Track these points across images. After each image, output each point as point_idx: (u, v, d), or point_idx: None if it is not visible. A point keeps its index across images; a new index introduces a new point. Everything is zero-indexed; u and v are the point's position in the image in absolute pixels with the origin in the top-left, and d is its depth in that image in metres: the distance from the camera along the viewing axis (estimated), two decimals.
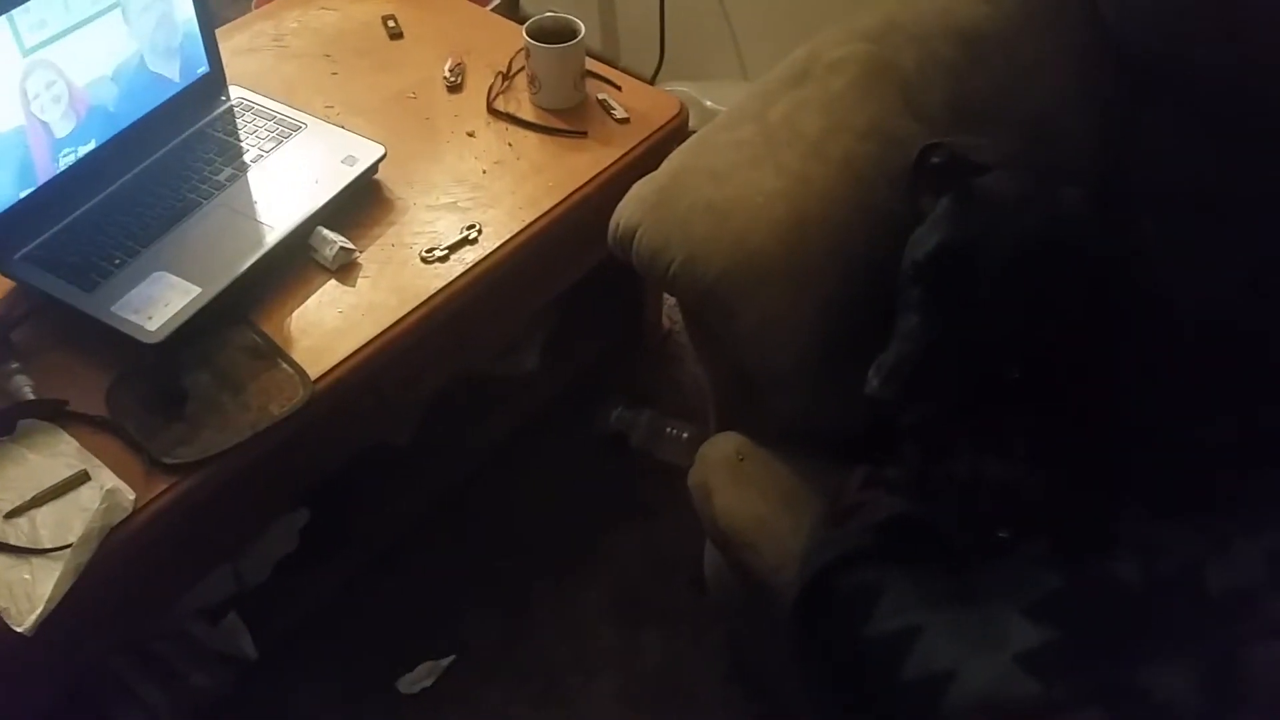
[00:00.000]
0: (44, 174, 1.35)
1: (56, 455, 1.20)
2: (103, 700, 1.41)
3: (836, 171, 1.22)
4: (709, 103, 2.17)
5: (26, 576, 1.10)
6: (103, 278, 1.33)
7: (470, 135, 1.63)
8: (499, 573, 1.74)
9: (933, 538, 1.08)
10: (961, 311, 1.05)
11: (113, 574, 1.14)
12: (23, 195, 1.33)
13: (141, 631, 1.42)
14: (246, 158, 1.50)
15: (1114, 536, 1.04)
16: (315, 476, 1.43)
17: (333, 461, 1.43)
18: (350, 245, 1.42)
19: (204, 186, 1.45)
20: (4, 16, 1.22)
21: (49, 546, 1.12)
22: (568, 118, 1.66)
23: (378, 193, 1.53)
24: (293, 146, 1.52)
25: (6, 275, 1.35)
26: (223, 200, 1.44)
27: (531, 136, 1.63)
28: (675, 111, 1.69)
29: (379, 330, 1.35)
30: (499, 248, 1.47)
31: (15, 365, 1.27)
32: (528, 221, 1.50)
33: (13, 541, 1.12)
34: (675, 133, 1.67)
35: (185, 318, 1.30)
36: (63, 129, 1.34)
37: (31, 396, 1.24)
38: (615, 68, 1.77)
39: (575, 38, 1.62)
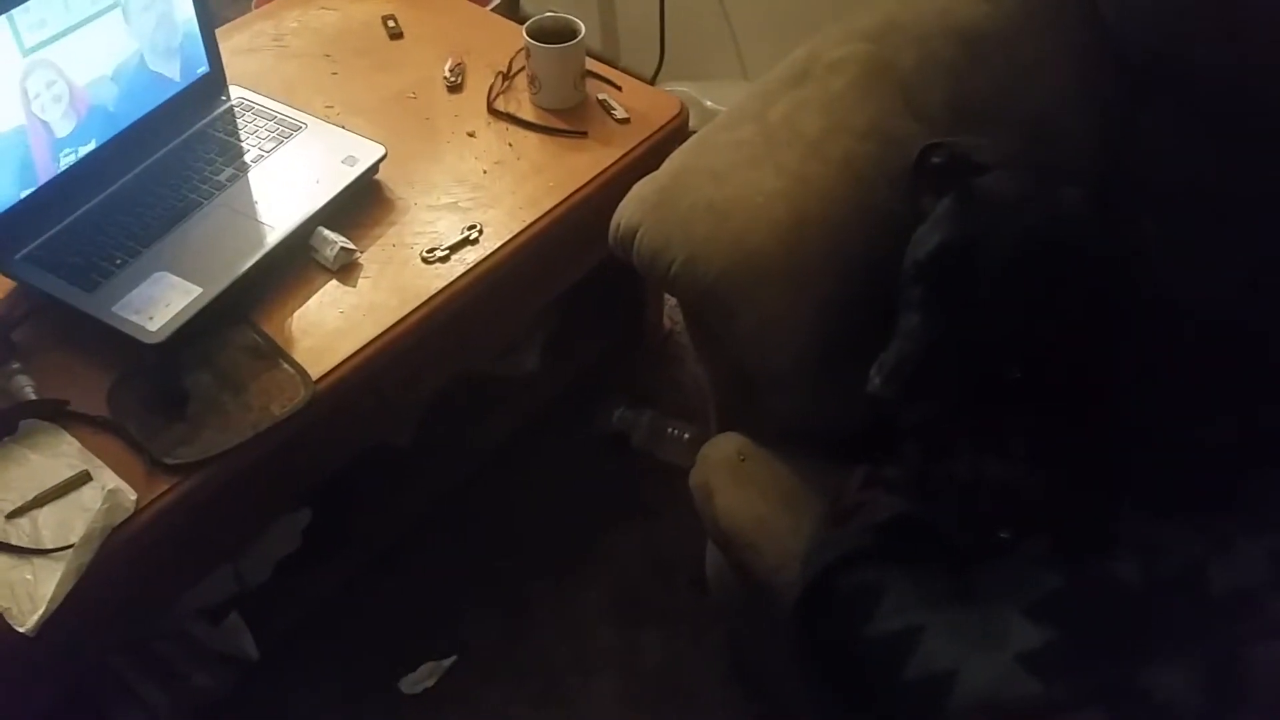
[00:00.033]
0: (45, 174, 1.35)
1: (58, 455, 1.20)
2: (103, 700, 1.41)
3: (836, 171, 1.22)
4: (709, 103, 2.17)
5: (28, 577, 1.10)
6: (104, 278, 1.33)
7: (470, 135, 1.63)
8: (499, 573, 1.74)
9: (933, 538, 1.08)
10: (962, 311, 1.05)
11: (114, 574, 1.15)
12: (23, 195, 1.33)
13: (143, 631, 1.42)
14: (247, 158, 1.50)
15: (1114, 536, 1.04)
16: (316, 477, 1.43)
17: (334, 462, 1.43)
18: (351, 245, 1.42)
19: (205, 187, 1.45)
20: (4, 16, 1.22)
21: (51, 547, 1.12)
22: (568, 118, 1.66)
23: (378, 193, 1.53)
24: (293, 146, 1.52)
25: (7, 275, 1.35)
26: (223, 200, 1.44)
27: (532, 136, 1.63)
28: (675, 111, 1.69)
29: (380, 330, 1.35)
30: (500, 248, 1.47)
31: (16, 365, 1.27)
32: (528, 222, 1.50)
33: (14, 542, 1.12)
34: (675, 133, 1.67)
35: (186, 318, 1.30)
36: (63, 129, 1.34)
37: (33, 397, 1.24)
38: (615, 68, 1.77)
39: (575, 38, 1.62)
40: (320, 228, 1.43)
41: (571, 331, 1.94)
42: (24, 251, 1.34)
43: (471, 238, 1.47)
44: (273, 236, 1.40)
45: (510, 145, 1.62)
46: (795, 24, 1.74)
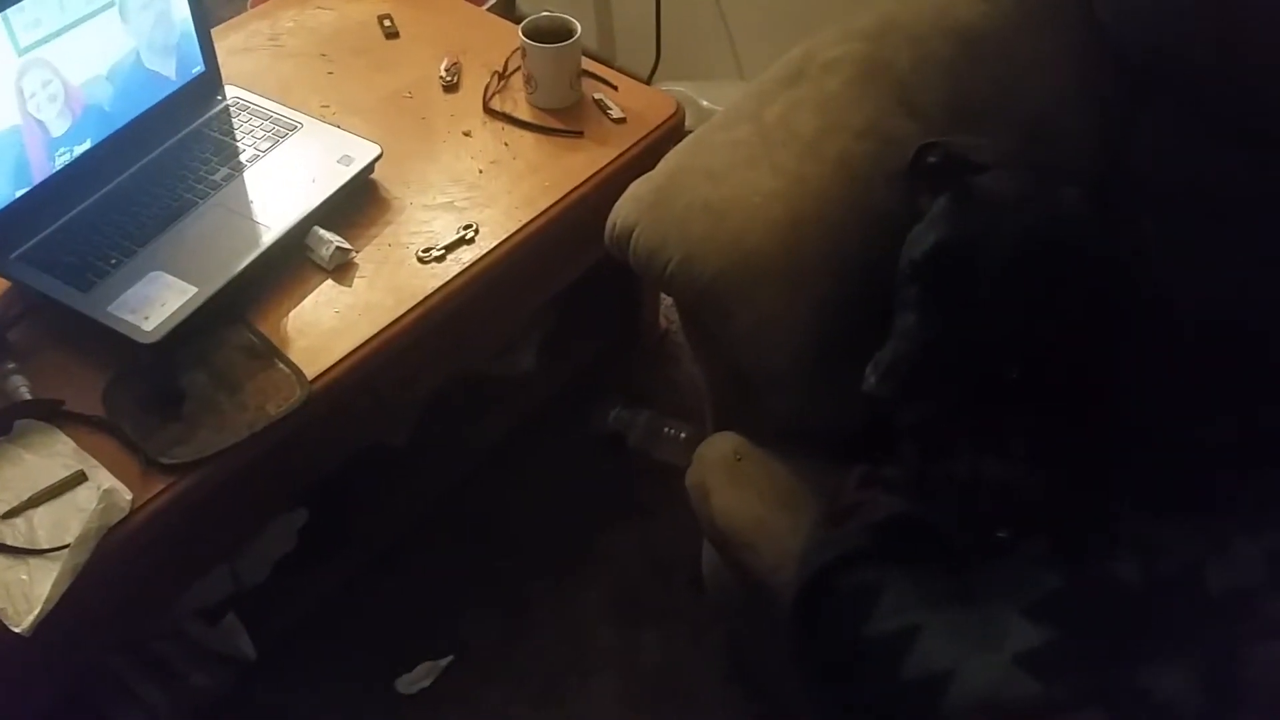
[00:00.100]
0: (40, 173, 1.34)
1: (53, 455, 1.19)
2: (103, 700, 1.41)
3: (832, 171, 1.22)
4: (705, 102, 2.17)
5: (24, 577, 1.10)
6: (99, 277, 1.32)
7: (466, 135, 1.63)
8: (498, 573, 1.74)
9: (932, 537, 1.08)
10: (960, 311, 1.05)
11: (110, 574, 1.14)
12: (18, 195, 1.33)
13: (140, 632, 1.42)
14: (243, 157, 1.49)
15: (1114, 536, 1.04)
16: (313, 476, 1.43)
17: (330, 461, 1.43)
18: (347, 245, 1.42)
19: (200, 186, 1.44)
20: None
21: (46, 547, 1.12)
22: (564, 117, 1.66)
23: (374, 192, 1.53)
24: (289, 146, 1.52)
25: (2, 275, 1.34)
26: (219, 200, 1.43)
27: (528, 136, 1.63)
28: (671, 111, 1.69)
29: (376, 330, 1.35)
30: (495, 247, 1.46)
31: (11, 365, 1.27)
32: (524, 221, 1.50)
33: (10, 542, 1.12)
34: (671, 132, 1.67)
35: (182, 317, 1.29)
36: (59, 128, 1.34)
37: (28, 396, 1.24)
38: (611, 67, 1.76)
39: (571, 37, 1.61)
40: (316, 227, 1.42)
41: (568, 331, 1.94)
42: (19, 251, 1.34)
43: (467, 237, 1.46)
44: (268, 236, 1.39)
45: (506, 145, 1.61)
46: (791, 23, 1.74)
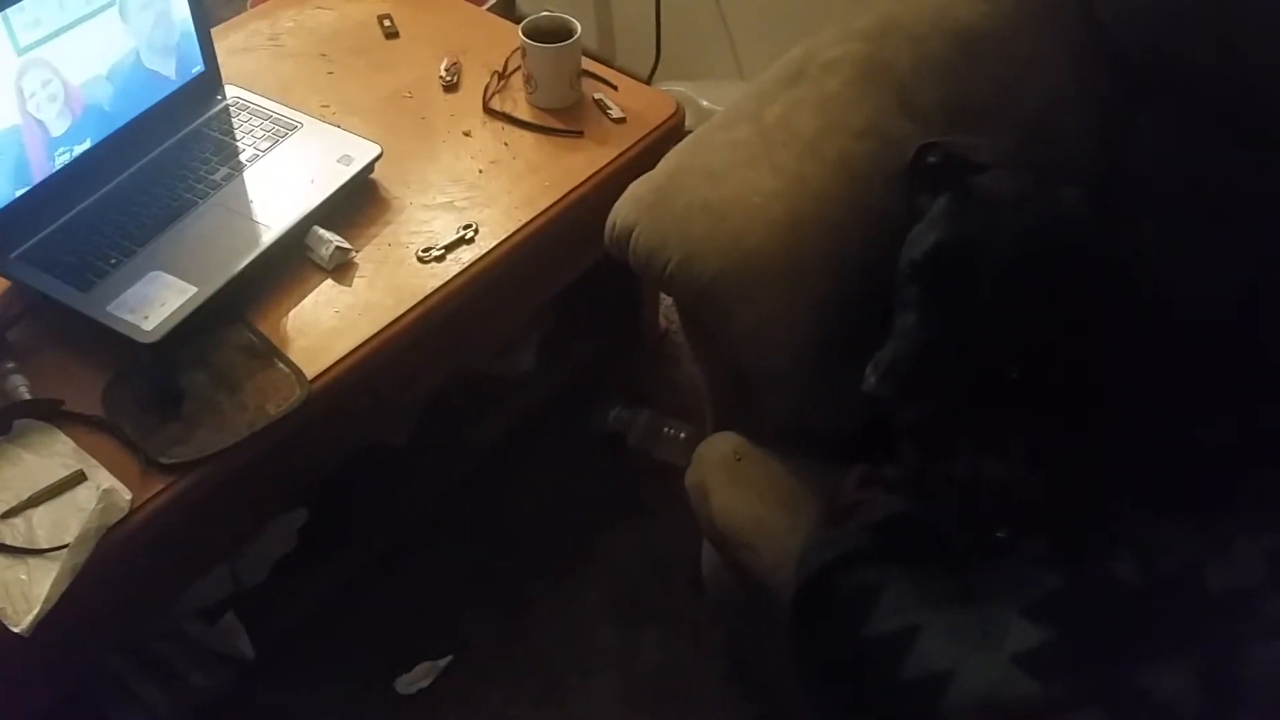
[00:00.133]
0: (39, 173, 1.34)
1: (52, 455, 1.19)
2: (103, 700, 1.41)
3: (832, 171, 1.22)
4: (705, 102, 2.17)
5: (23, 577, 1.10)
6: (98, 277, 1.32)
7: (466, 135, 1.63)
8: (498, 573, 1.74)
9: (932, 537, 1.08)
10: (959, 311, 1.05)
11: (110, 574, 1.14)
12: (18, 194, 1.33)
13: (139, 632, 1.42)
14: (242, 157, 1.49)
15: (1114, 536, 1.04)
16: (312, 476, 1.43)
17: (330, 461, 1.43)
18: (346, 245, 1.42)
19: (200, 186, 1.44)
20: None
21: (45, 547, 1.12)
22: (564, 117, 1.66)
23: (374, 192, 1.53)
24: (289, 146, 1.52)
25: (2, 275, 1.34)
26: (219, 200, 1.43)
27: (528, 136, 1.63)
28: (671, 111, 1.68)
29: (375, 330, 1.35)
30: (495, 247, 1.46)
31: (11, 365, 1.27)
32: (524, 221, 1.50)
33: (9, 542, 1.12)
34: (671, 132, 1.66)
35: (181, 317, 1.29)
36: (58, 128, 1.34)
37: (27, 396, 1.24)
38: (611, 67, 1.76)
39: (571, 37, 1.61)
40: (316, 227, 1.42)
41: (567, 331, 1.94)
42: (19, 251, 1.34)
43: (467, 237, 1.46)
44: (268, 236, 1.39)
45: (506, 144, 1.61)
46: (791, 23, 1.74)
